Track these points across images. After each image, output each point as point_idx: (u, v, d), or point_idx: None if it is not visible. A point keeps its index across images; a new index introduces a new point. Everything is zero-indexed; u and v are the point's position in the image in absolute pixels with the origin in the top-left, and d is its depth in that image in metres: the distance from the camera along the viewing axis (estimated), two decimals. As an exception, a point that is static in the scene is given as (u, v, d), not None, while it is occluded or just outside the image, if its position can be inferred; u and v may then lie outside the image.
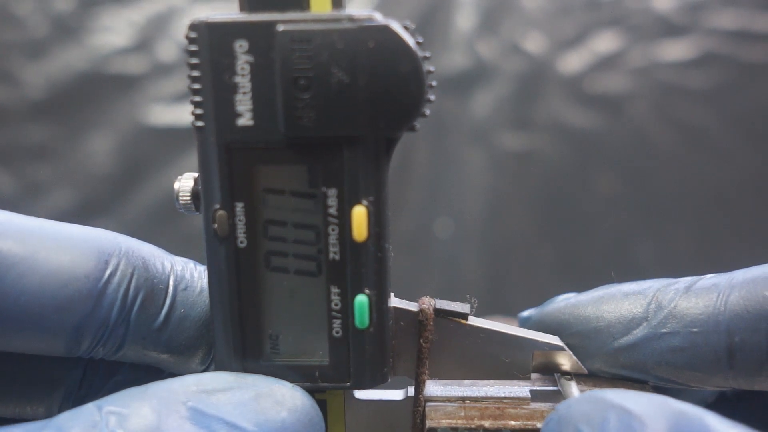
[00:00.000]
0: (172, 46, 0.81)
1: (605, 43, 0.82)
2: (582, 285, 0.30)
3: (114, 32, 0.81)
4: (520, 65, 0.82)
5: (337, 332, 0.25)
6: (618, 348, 0.26)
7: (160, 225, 0.79)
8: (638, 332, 0.26)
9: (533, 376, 0.28)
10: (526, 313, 0.30)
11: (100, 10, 0.81)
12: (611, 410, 0.20)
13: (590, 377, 0.27)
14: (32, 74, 0.79)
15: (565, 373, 0.27)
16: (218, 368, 0.26)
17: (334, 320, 0.25)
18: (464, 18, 0.82)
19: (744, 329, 0.23)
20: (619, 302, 0.26)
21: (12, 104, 0.79)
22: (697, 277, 0.26)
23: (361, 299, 0.24)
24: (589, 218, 0.81)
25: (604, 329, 0.26)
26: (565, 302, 0.28)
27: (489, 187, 0.81)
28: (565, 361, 0.27)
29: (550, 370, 0.28)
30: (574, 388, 0.27)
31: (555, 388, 0.27)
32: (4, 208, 0.25)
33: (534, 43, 0.82)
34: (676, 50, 0.81)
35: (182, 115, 0.80)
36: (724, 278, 0.25)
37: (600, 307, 0.27)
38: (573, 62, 0.82)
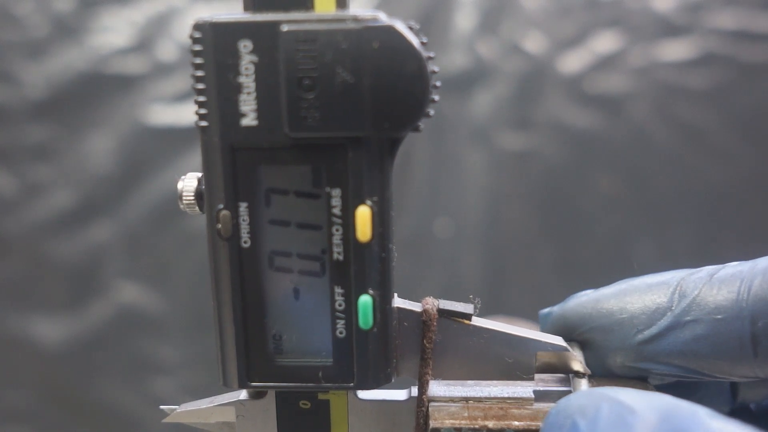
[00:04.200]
0: (172, 46, 0.81)
1: (605, 43, 0.82)
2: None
3: (114, 32, 0.81)
4: (520, 65, 0.82)
5: (340, 332, 0.25)
6: (642, 340, 0.26)
7: (160, 225, 0.79)
8: (662, 322, 0.25)
9: (537, 376, 0.28)
10: (546, 310, 0.30)
11: (100, 10, 0.81)
12: (605, 402, 0.21)
13: (598, 377, 0.27)
14: (32, 74, 0.79)
15: (578, 374, 0.27)
16: (221, 368, 0.26)
17: (338, 320, 0.25)
18: (464, 18, 0.83)
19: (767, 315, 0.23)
20: (643, 293, 0.26)
21: (12, 104, 0.79)
22: (721, 266, 0.25)
23: (365, 299, 0.24)
24: (589, 218, 0.81)
25: (627, 321, 0.26)
26: (587, 297, 0.28)
27: (489, 187, 0.81)
28: (569, 361, 0.27)
29: (553, 371, 0.28)
30: (584, 386, 0.27)
31: (559, 388, 0.27)
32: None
33: (534, 43, 0.82)
34: (676, 50, 0.81)
35: (182, 115, 0.80)
36: (748, 265, 0.25)
37: (623, 299, 0.27)
38: (573, 62, 0.82)
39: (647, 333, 0.26)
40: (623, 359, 0.27)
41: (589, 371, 0.27)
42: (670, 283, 0.26)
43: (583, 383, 0.27)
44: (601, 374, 0.27)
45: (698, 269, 0.26)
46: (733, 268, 0.25)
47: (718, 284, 0.25)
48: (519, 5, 0.82)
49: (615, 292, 0.27)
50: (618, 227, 0.81)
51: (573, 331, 0.28)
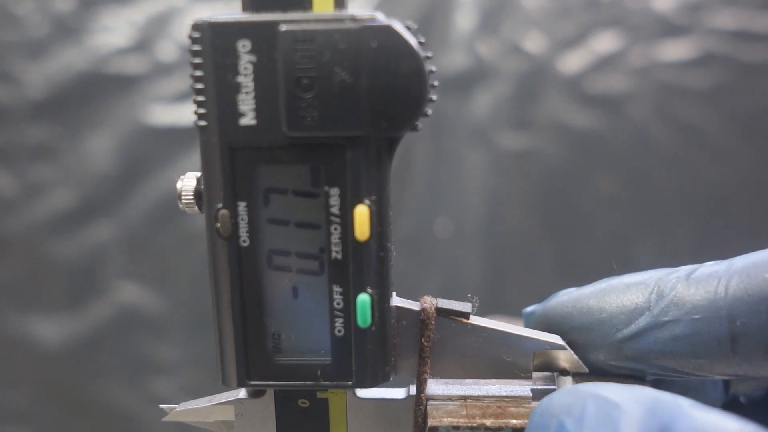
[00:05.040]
0: (172, 46, 0.81)
1: (605, 43, 0.82)
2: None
3: (114, 32, 0.81)
4: (520, 65, 0.82)
5: (339, 331, 0.25)
6: (621, 339, 0.26)
7: (160, 225, 0.79)
8: (641, 322, 0.26)
9: (534, 375, 0.28)
10: (529, 309, 0.30)
11: (100, 10, 0.81)
12: (589, 399, 0.21)
13: (590, 375, 0.27)
14: (32, 74, 0.79)
15: (563, 372, 0.28)
16: (220, 367, 0.26)
17: (337, 319, 0.25)
18: (464, 18, 0.83)
19: (745, 313, 0.23)
20: (621, 293, 0.26)
21: (12, 104, 0.79)
22: (698, 265, 0.26)
23: (364, 298, 0.25)
24: (589, 218, 0.81)
25: (606, 321, 0.26)
26: (568, 296, 0.28)
27: (489, 187, 0.81)
28: (566, 360, 0.27)
29: (551, 369, 0.28)
30: (569, 384, 0.27)
31: (555, 386, 0.27)
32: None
33: (534, 43, 0.82)
34: (676, 50, 0.81)
35: (182, 115, 0.80)
36: (724, 264, 0.25)
37: (602, 298, 0.27)
38: (573, 62, 0.82)
39: (626, 332, 0.26)
40: (605, 357, 0.27)
41: (586, 369, 0.27)
42: (647, 282, 0.26)
43: (569, 382, 0.27)
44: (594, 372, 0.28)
45: (676, 269, 0.26)
46: (710, 267, 0.25)
47: (696, 284, 0.25)
48: (519, 5, 0.82)
49: (595, 291, 0.27)
50: (618, 227, 0.81)
51: (555, 330, 0.28)
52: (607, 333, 0.26)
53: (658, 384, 0.27)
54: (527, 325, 0.30)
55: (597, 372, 0.27)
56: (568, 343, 0.27)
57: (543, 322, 0.29)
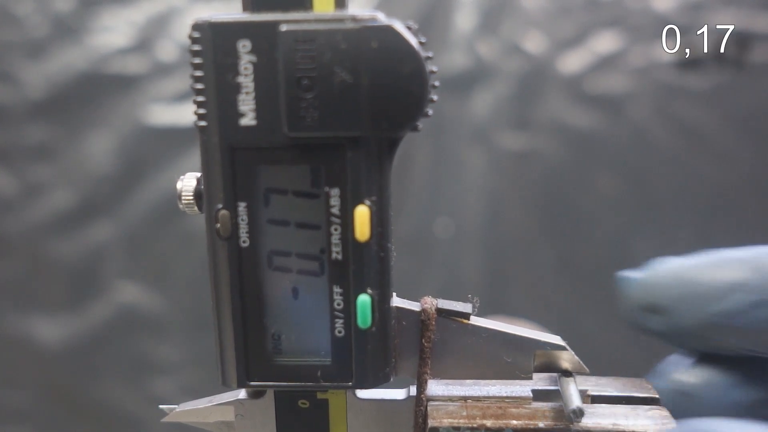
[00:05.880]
0: (172, 46, 0.81)
1: (605, 43, 0.82)
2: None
3: (114, 32, 0.81)
4: (520, 65, 0.82)
5: (339, 332, 0.25)
6: (716, 313, 0.26)
7: (160, 225, 0.79)
8: (738, 299, 0.25)
9: (535, 375, 0.28)
10: (627, 274, 0.29)
11: (100, 10, 0.81)
12: None
13: (593, 376, 0.27)
14: (32, 74, 0.79)
15: (565, 372, 0.27)
16: (220, 367, 0.26)
17: (337, 320, 0.25)
18: (464, 18, 0.83)
19: None
20: (722, 268, 0.26)
21: (12, 104, 0.79)
22: None
23: (364, 299, 0.24)
24: (589, 218, 0.81)
25: (704, 294, 0.26)
26: (668, 264, 0.28)
27: (489, 187, 0.81)
28: (568, 360, 0.27)
29: (552, 370, 0.28)
30: (572, 388, 0.27)
31: (557, 387, 0.27)
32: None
33: (534, 43, 0.82)
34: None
35: (182, 115, 0.80)
36: None
37: (702, 271, 0.26)
38: (573, 62, 0.82)
39: (723, 307, 0.25)
40: (698, 331, 0.26)
41: (587, 370, 0.27)
42: (750, 260, 0.26)
43: (572, 384, 0.27)
44: (677, 344, 0.27)
45: None
46: None
47: None
48: (519, 5, 0.82)
49: (695, 263, 0.27)
50: (618, 227, 0.81)
51: (655, 297, 0.27)
52: (701, 307, 0.26)
53: (751, 362, 0.27)
54: (625, 291, 0.29)
55: (687, 346, 0.27)
56: (662, 312, 0.27)
57: (643, 289, 0.28)
